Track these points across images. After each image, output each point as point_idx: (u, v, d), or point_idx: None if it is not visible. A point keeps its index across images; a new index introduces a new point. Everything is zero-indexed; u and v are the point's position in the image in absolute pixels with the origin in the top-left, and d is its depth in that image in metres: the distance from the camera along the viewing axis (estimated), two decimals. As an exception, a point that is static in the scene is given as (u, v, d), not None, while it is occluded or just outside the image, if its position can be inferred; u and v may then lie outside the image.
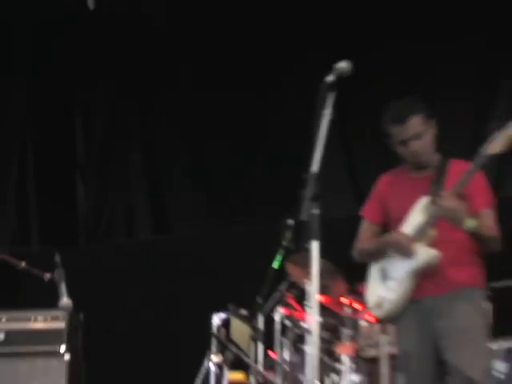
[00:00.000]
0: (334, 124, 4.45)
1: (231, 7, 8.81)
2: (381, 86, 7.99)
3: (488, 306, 4.94)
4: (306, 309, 5.77)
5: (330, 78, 4.44)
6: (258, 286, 6.48)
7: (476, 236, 4.73)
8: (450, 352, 4.70)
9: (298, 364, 6.45)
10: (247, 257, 7.70)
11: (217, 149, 8.97)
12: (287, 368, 6.49)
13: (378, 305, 4.89)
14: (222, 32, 8.87)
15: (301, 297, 6.52)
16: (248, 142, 8.79)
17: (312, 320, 4.39)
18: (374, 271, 4.96)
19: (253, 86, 8.77)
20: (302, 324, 6.51)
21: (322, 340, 6.48)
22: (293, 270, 6.57)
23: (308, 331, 5.29)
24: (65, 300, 6.34)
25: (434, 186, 4.82)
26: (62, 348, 6.43)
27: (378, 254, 4.92)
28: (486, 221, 4.76)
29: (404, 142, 4.85)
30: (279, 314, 6.68)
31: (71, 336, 6.53)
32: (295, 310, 6.70)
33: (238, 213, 8.72)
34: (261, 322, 6.68)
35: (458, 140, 7.25)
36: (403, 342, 4.94)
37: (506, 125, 4.58)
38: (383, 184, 5.08)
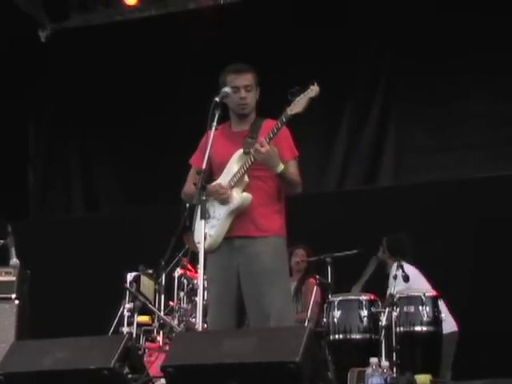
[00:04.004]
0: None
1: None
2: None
3: (285, 253, 4.53)
4: (198, 269, 5.74)
5: (217, 99, 4.42)
6: (162, 252, 6.46)
7: (284, 179, 4.41)
8: (251, 290, 4.34)
9: (190, 310, 6.45)
10: (155, 229, 7.65)
11: (134, 152, 8.93)
12: (182, 313, 6.49)
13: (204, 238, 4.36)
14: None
15: (194, 260, 6.51)
16: (158, 148, 8.76)
17: (201, 278, 4.27)
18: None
19: (162, 110, 8.73)
20: (194, 281, 6.52)
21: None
22: (188, 241, 6.53)
23: (198, 286, 5.22)
24: (14, 260, 6.33)
25: (248, 140, 4.44)
26: (13, 295, 6.31)
27: None
28: (291, 168, 4.46)
29: (237, 88, 4.47)
30: (177, 273, 6.67)
31: (20, 287, 6.39)
32: (189, 270, 6.70)
33: (150, 197, 8.68)
34: (163, 278, 6.68)
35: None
36: (210, 270, 4.52)
37: (307, 89, 4.30)
38: (208, 137, 4.38)
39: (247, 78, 4.53)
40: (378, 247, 6.73)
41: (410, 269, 6.24)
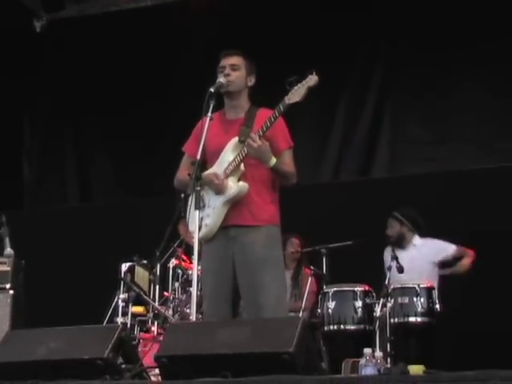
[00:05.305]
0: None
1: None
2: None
3: (279, 242, 4.51)
4: (192, 260, 5.71)
5: (212, 89, 4.40)
6: (156, 243, 6.44)
7: (277, 172, 4.40)
8: (246, 279, 4.34)
9: (185, 301, 6.44)
10: (150, 220, 7.62)
11: (129, 142, 8.88)
12: (176, 304, 6.48)
13: (198, 228, 4.24)
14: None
15: (189, 251, 6.49)
16: (153, 138, 8.69)
17: (195, 268, 4.25)
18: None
19: (158, 100, 8.66)
20: (189, 271, 6.50)
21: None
22: (183, 231, 6.53)
23: (192, 276, 5.20)
24: (8, 250, 6.29)
25: (243, 128, 4.43)
26: (8, 285, 6.28)
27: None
28: (286, 159, 4.45)
29: (223, 68, 4.49)
30: (172, 263, 6.65)
31: (15, 277, 6.37)
32: (184, 261, 6.68)
33: (145, 188, 8.65)
34: (158, 269, 6.66)
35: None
36: (205, 260, 4.49)
37: (305, 78, 4.25)
38: (203, 125, 4.32)
39: (233, 59, 4.53)
40: (385, 225, 6.63)
41: (427, 242, 6.26)
